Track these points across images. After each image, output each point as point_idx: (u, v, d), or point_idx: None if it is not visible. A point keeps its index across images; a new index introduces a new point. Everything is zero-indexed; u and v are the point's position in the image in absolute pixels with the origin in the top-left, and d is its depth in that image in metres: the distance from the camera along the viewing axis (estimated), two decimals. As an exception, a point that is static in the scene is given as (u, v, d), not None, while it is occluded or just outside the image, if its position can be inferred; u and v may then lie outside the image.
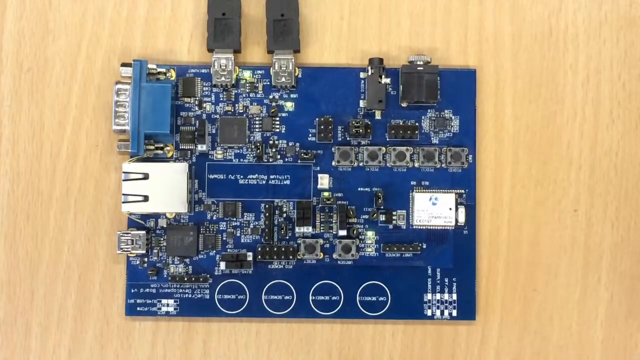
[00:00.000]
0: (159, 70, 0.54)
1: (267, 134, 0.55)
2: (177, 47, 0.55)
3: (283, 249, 0.54)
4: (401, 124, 0.55)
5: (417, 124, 0.55)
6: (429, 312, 0.54)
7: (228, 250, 0.54)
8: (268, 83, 0.55)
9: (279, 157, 0.55)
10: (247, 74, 0.55)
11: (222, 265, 0.54)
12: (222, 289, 0.54)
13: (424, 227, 0.54)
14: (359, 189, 0.55)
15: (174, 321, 0.54)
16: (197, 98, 0.55)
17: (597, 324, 0.55)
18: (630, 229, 0.55)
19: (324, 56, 0.55)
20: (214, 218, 0.54)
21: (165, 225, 0.54)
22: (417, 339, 0.55)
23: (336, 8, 0.56)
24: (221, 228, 0.54)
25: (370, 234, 0.54)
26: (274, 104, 0.55)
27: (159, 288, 0.54)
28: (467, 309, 0.54)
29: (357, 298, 0.54)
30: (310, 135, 0.55)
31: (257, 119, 0.55)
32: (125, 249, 0.53)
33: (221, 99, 0.55)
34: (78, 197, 0.54)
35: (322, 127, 0.54)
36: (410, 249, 0.54)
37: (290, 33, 0.54)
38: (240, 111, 0.55)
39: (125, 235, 0.53)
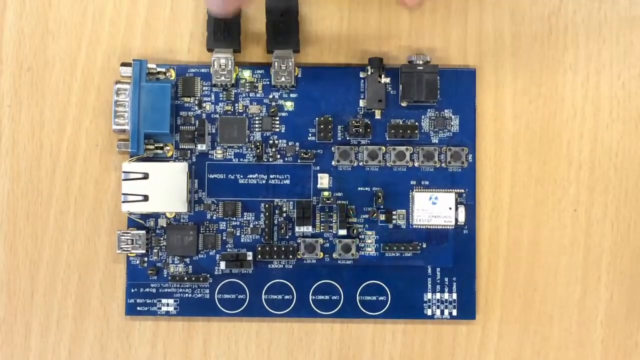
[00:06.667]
0: (158, 70, 0.54)
1: (266, 134, 0.55)
2: (176, 47, 0.55)
3: (283, 249, 0.54)
4: (401, 123, 0.55)
5: (416, 123, 0.55)
6: (429, 312, 0.54)
7: (228, 249, 0.54)
8: (268, 83, 0.55)
9: (278, 156, 0.55)
10: (246, 74, 0.55)
11: (222, 264, 0.54)
12: (222, 289, 0.54)
13: (423, 227, 0.54)
14: (358, 188, 0.55)
15: (174, 321, 0.54)
16: (197, 98, 0.55)
17: (597, 323, 0.55)
18: (630, 228, 0.55)
19: (324, 56, 0.55)
20: (214, 218, 0.54)
21: (165, 225, 0.54)
22: (417, 339, 0.55)
23: (336, 8, 0.56)
24: (221, 228, 0.54)
25: (370, 233, 0.54)
26: (273, 103, 0.55)
27: (159, 288, 0.54)
28: (467, 309, 0.54)
29: (357, 297, 0.54)
30: (310, 134, 0.55)
31: (256, 118, 0.55)
32: (125, 249, 0.53)
33: (221, 99, 0.55)
34: (78, 196, 0.54)
35: (322, 126, 0.54)
36: (410, 248, 0.54)
37: (289, 33, 0.54)
38: (240, 111, 0.55)
39: (125, 234, 0.53)
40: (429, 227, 0.54)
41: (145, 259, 0.54)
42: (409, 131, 0.54)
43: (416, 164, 0.55)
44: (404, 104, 0.55)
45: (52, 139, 0.55)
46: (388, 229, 0.54)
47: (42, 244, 0.54)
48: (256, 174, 0.55)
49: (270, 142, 0.55)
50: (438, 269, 0.54)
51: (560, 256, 0.55)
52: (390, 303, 0.54)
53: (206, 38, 0.54)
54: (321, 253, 0.54)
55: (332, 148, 0.54)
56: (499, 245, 0.55)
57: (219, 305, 0.54)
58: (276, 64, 0.54)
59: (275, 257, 0.54)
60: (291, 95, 0.55)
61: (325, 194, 0.54)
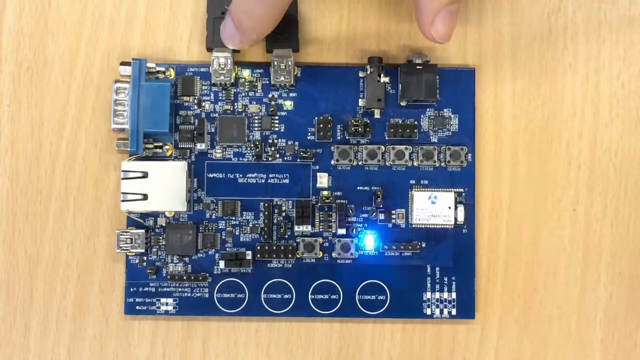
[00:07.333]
0: (158, 69, 0.54)
1: (266, 133, 0.55)
2: (176, 46, 0.55)
3: (282, 248, 0.54)
4: (400, 122, 0.55)
5: (416, 122, 0.55)
6: (429, 311, 0.54)
7: (227, 249, 0.54)
8: (267, 82, 0.55)
9: (278, 156, 0.55)
10: (246, 73, 0.55)
11: (221, 264, 0.53)
12: (221, 288, 0.54)
13: (423, 226, 0.54)
14: (358, 187, 0.55)
15: (173, 320, 0.54)
16: (196, 97, 0.55)
17: (596, 323, 0.55)
18: (630, 228, 0.55)
19: (323, 55, 0.55)
20: (213, 217, 0.54)
21: (164, 224, 0.54)
22: (417, 338, 0.55)
23: (335, 7, 0.56)
24: (220, 227, 0.54)
25: (369, 232, 0.54)
26: (273, 102, 0.55)
27: (158, 287, 0.54)
28: (466, 308, 0.54)
29: (357, 297, 0.54)
30: (309, 134, 0.55)
31: (256, 117, 0.55)
32: (125, 248, 0.53)
33: (220, 98, 0.55)
34: (77, 196, 0.54)
35: (321, 126, 0.54)
36: (410, 247, 0.54)
37: (289, 32, 0.54)
38: (239, 110, 0.55)
39: (125, 234, 0.53)
40: (428, 226, 0.54)
41: (145, 258, 0.54)
42: (408, 130, 0.54)
43: (415, 163, 0.54)
44: (403, 104, 0.55)
45: (52, 138, 0.55)
46: (387, 228, 0.54)
47: (41, 243, 0.54)
48: (255, 173, 0.55)
49: (270, 141, 0.55)
50: (437, 269, 0.54)
51: (559, 256, 0.55)
52: (389, 302, 0.54)
53: (205, 37, 0.54)
54: (320, 252, 0.54)
55: (332, 147, 0.54)
56: (498, 245, 0.55)
57: (218, 305, 0.54)
58: (275, 63, 0.54)
59: (274, 256, 0.54)
60: (290, 94, 0.55)
61: (325, 193, 0.54)
